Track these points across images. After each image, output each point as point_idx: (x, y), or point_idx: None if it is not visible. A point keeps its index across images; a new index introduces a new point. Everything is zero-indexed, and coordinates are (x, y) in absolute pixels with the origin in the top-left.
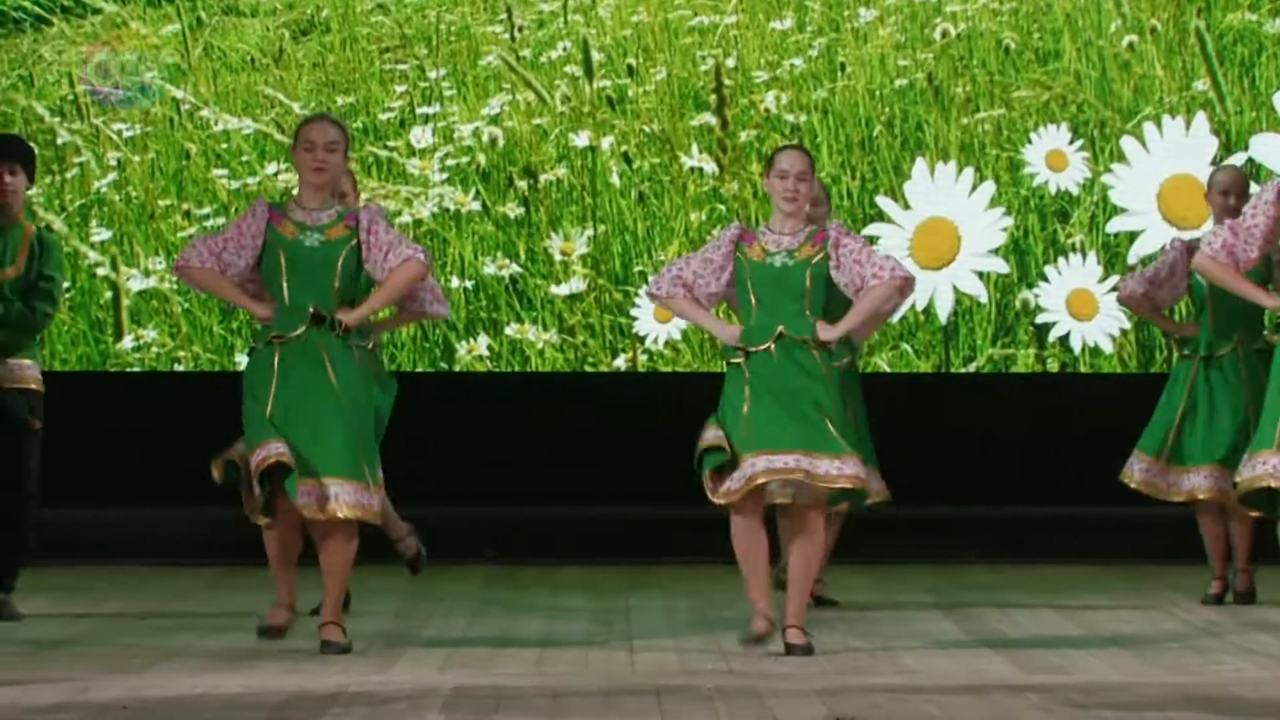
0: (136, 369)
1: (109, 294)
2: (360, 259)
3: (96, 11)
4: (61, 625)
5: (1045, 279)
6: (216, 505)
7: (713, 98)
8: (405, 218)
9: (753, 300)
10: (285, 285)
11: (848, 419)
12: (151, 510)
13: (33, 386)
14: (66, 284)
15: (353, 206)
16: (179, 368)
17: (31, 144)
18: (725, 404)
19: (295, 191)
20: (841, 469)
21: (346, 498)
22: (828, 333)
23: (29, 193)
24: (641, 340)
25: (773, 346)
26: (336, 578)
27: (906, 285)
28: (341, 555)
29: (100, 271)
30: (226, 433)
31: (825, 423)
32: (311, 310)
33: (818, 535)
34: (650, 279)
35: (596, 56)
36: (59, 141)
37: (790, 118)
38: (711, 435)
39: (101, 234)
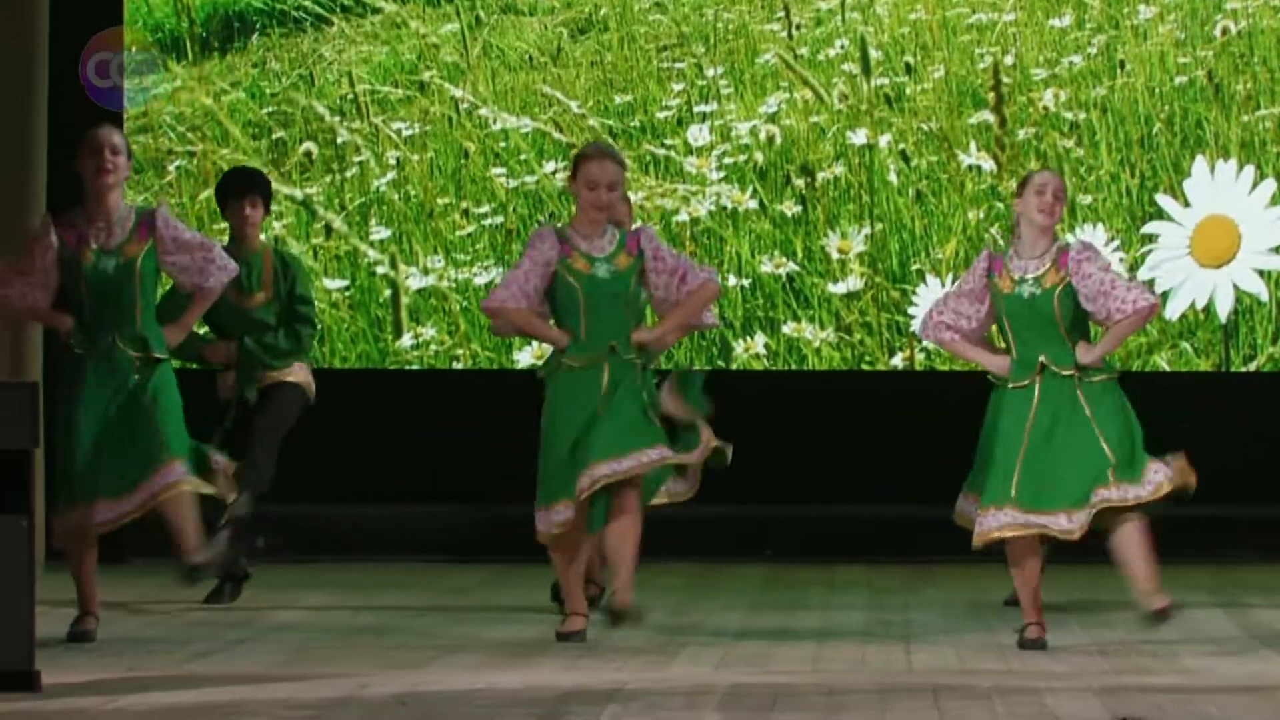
0: (415, 367)
1: (388, 292)
2: (644, 282)
3: (376, 11)
4: (340, 621)
5: None
6: (495, 503)
7: (991, 95)
8: (682, 216)
9: (1009, 334)
10: (584, 319)
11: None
12: (429, 506)
13: (291, 379)
14: (345, 282)
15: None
16: (457, 365)
17: (267, 177)
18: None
19: (570, 221)
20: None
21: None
22: (1088, 355)
23: (308, 194)
24: (919, 339)
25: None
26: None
27: (1152, 312)
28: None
29: (379, 270)
30: (505, 429)
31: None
32: (611, 346)
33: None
34: (919, 321)
35: (874, 54)
36: (339, 140)
37: (1069, 115)
38: None
39: (380, 232)
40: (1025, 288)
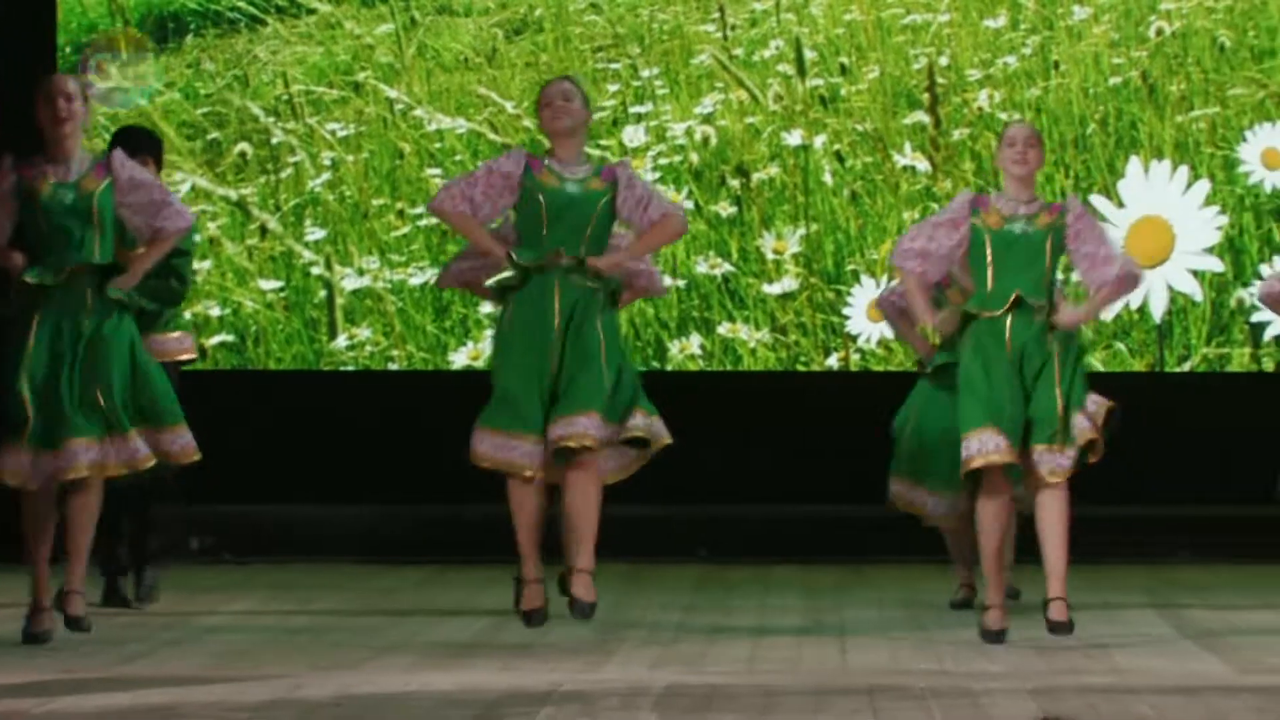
0: (350, 368)
1: (323, 293)
2: (613, 211)
3: (311, 12)
4: (272, 622)
5: (1260, 277)
6: (429, 504)
7: (925, 96)
8: None
9: (990, 267)
10: (544, 231)
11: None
12: (364, 508)
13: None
14: (280, 283)
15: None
16: (393, 366)
17: (159, 135)
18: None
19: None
20: None
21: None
22: (1067, 317)
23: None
24: (854, 339)
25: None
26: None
27: (1136, 283)
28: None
29: (314, 271)
30: (440, 431)
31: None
32: (562, 256)
33: None
34: (893, 253)
35: (809, 55)
36: (273, 141)
37: (1003, 116)
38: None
39: (315, 233)
40: (1016, 225)
